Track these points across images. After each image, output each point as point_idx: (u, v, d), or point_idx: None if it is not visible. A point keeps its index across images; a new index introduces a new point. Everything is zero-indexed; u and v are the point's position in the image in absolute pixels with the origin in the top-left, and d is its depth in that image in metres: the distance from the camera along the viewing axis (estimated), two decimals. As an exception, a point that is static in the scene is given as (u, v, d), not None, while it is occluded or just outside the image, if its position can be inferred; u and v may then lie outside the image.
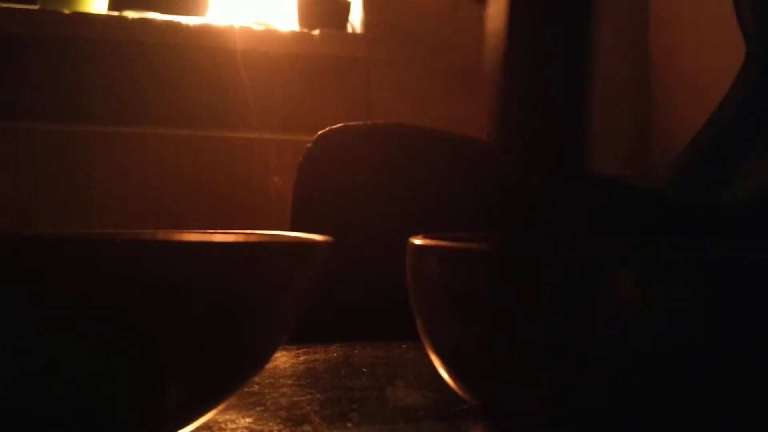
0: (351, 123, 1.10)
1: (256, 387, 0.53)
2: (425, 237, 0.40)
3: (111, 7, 2.16)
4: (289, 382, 0.57)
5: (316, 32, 2.26)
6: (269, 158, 2.17)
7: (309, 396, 0.53)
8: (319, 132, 1.08)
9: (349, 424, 0.46)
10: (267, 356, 0.39)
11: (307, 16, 2.32)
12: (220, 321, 0.34)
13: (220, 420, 0.45)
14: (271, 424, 0.46)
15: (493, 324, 0.36)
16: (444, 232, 0.42)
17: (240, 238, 0.42)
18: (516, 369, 0.36)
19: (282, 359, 0.63)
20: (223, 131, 2.18)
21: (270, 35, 2.22)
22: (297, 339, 0.46)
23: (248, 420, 0.46)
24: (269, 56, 2.24)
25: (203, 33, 2.17)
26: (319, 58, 2.30)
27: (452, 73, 2.39)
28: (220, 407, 0.38)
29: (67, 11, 2.08)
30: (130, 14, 2.14)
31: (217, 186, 2.15)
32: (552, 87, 0.30)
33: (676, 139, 1.75)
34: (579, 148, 0.29)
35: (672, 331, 0.33)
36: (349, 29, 2.38)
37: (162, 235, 0.47)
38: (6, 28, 2.06)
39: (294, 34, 2.26)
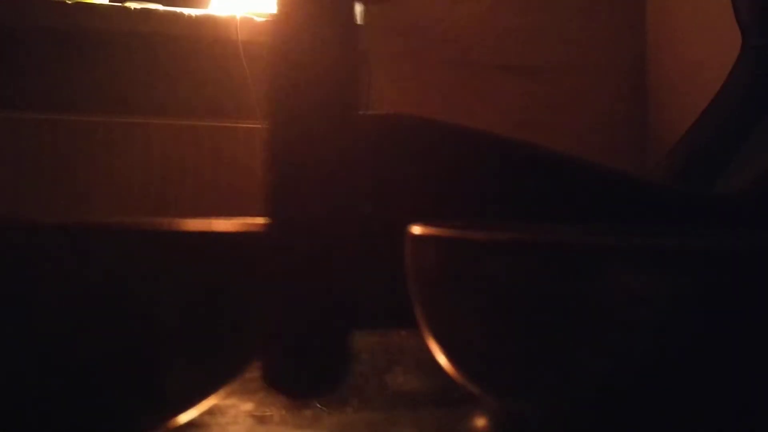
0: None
1: (258, 372, 0.53)
2: (424, 225, 0.40)
3: (113, -2, 2.16)
4: (290, 368, 0.57)
5: (317, 23, 2.26)
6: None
7: (309, 382, 0.53)
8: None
9: (349, 410, 0.46)
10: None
11: (308, 6, 2.31)
12: (221, 306, 0.34)
13: (221, 405, 0.46)
14: (272, 409, 0.46)
15: (492, 311, 0.36)
16: (442, 220, 0.42)
17: (241, 227, 0.42)
18: (514, 356, 0.37)
19: (283, 346, 0.63)
20: (226, 121, 2.18)
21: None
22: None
23: (249, 405, 0.47)
24: (271, 47, 2.23)
25: (205, 23, 2.17)
26: (320, 49, 2.29)
27: (451, 65, 2.39)
28: (222, 393, 0.38)
29: (69, 1, 2.07)
30: (132, 4, 2.14)
31: (219, 175, 2.15)
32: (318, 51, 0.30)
33: (672, 130, 1.75)
34: (352, 94, 0.30)
35: (669, 320, 0.33)
36: (350, 20, 2.37)
37: (163, 223, 0.47)
38: (8, 18, 2.06)
39: (295, 25, 2.25)
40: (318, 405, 0.47)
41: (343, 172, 0.31)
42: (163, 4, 2.18)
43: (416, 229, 0.40)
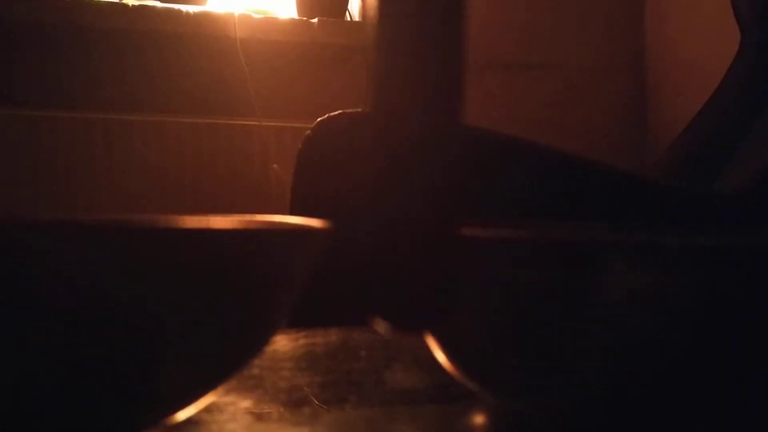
0: (349, 110, 1.10)
1: (256, 370, 0.54)
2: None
3: (111, -6, 2.16)
4: (289, 365, 0.57)
5: (315, 20, 2.27)
6: (269, 144, 2.17)
7: (308, 379, 0.54)
8: (318, 119, 1.08)
9: (348, 407, 0.47)
10: (266, 339, 0.39)
11: (306, 4, 2.32)
12: (220, 304, 0.34)
13: (220, 402, 0.46)
14: (270, 406, 0.46)
15: (491, 309, 0.36)
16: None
17: (240, 224, 0.42)
18: (513, 353, 0.37)
19: (281, 343, 0.63)
20: (224, 118, 2.18)
21: (269, 23, 2.22)
22: (296, 323, 0.46)
23: (248, 403, 0.47)
24: (269, 44, 2.24)
25: (203, 20, 2.17)
26: (318, 46, 2.30)
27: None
28: (220, 390, 0.38)
29: (67, -2, 2.08)
30: (131, 1, 2.14)
31: (218, 171, 2.16)
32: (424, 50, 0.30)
33: (671, 127, 1.75)
34: (454, 105, 0.30)
35: (669, 319, 0.33)
36: (348, 17, 2.38)
37: (162, 220, 0.47)
38: (7, 15, 2.06)
39: (293, 22, 2.26)
40: (316, 402, 0.47)
41: (439, 179, 0.31)
42: (161, 1, 2.18)
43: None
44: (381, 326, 0.32)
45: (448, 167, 0.31)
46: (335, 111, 1.09)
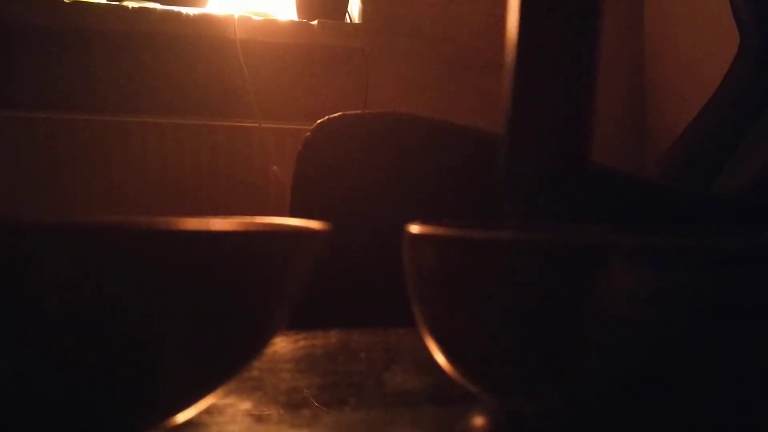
0: (349, 112, 1.10)
1: (256, 372, 0.54)
2: (422, 224, 0.40)
3: (111, -3, 2.16)
4: (288, 367, 0.57)
5: (315, 22, 2.27)
6: (269, 146, 2.17)
7: (308, 381, 0.54)
8: (318, 121, 1.09)
9: (347, 409, 0.47)
10: (266, 341, 0.39)
11: (306, 6, 2.32)
12: (220, 307, 0.34)
13: (220, 404, 0.46)
14: (270, 408, 0.46)
15: (491, 310, 0.36)
16: (441, 219, 0.42)
17: (239, 226, 0.42)
18: (512, 355, 0.37)
19: (281, 344, 0.63)
20: (224, 120, 2.18)
21: (269, 25, 2.23)
22: (296, 325, 0.46)
23: (248, 404, 0.47)
24: (269, 46, 2.24)
25: (203, 23, 2.17)
26: (318, 48, 2.30)
27: (449, 63, 2.39)
28: (220, 392, 0.38)
29: (67, 0, 2.08)
30: (130, 4, 2.14)
31: (218, 173, 2.16)
32: (560, 81, 0.31)
33: (671, 128, 1.75)
34: (585, 138, 0.31)
35: (669, 320, 0.33)
36: (348, 19, 2.38)
37: (161, 222, 0.47)
38: (6, 17, 2.06)
39: (293, 24, 2.26)
40: (316, 404, 0.47)
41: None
42: (161, 3, 2.18)
43: (415, 229, 0.40)
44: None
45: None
46: (335, 113, 1.09)
